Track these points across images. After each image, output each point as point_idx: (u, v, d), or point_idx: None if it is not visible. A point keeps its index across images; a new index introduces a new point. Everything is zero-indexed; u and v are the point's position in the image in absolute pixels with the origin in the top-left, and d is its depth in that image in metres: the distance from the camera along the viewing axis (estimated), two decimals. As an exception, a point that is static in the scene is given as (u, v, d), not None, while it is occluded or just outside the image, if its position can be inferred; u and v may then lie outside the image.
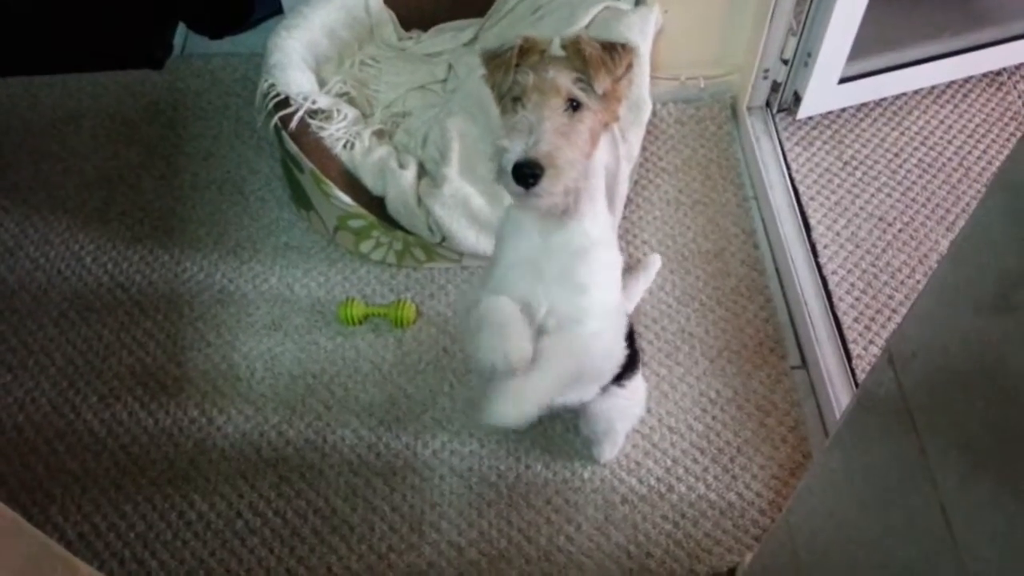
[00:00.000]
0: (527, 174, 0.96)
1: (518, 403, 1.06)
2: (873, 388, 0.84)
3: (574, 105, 1.02)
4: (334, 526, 1.52)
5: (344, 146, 1.74)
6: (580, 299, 1.13)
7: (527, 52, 1.06)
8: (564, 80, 1.01)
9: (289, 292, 1.83)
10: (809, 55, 1.86)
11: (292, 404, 1.67)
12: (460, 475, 1.55)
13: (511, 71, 1.04)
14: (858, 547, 0.89)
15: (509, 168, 0.97)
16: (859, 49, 1.87)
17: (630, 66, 1.07)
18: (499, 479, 1.55)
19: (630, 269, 1.76)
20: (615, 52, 1.04)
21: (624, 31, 1.74)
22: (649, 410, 1.60)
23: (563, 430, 1.60)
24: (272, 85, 1.75)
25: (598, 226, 1.13)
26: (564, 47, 1.05)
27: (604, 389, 1.34)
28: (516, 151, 0.96)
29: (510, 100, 1.05)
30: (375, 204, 1.74)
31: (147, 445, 1.64)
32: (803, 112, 1.98)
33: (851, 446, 0.90)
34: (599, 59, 1.01)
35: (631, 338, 1.42)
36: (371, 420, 1.63)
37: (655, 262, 1.79)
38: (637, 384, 1.45)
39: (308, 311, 1.80)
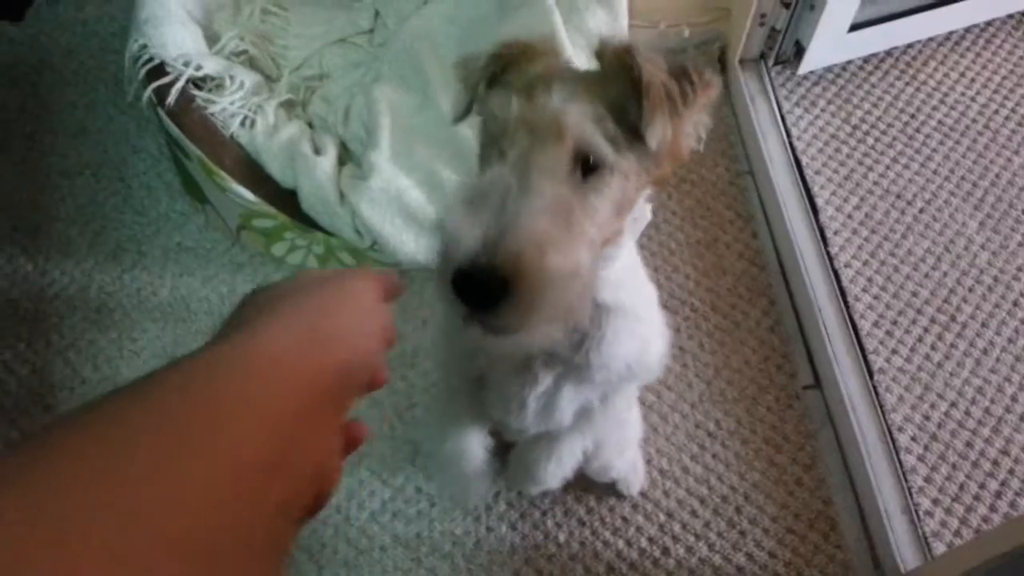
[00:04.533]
0: (478, 289, 0.52)
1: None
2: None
3: (588, 165, 0.59)
4: (248, 618, 1.20)
5: (242, 123, 1.36)
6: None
7: (520, 61, 0.63)
8: (576, 116, 0.57)
9: (184, 308, 1.47)
10: (816, -6, 1.53)
11: (191, 457, 1.33)
12: (406, 545, 1.24)
13: (480, 87, 0.62)
14: None
15: (448, 272, 0.52)
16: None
17: (706, 103, 0.63)
18: (454, 547, 1.24)
19: None
20: (689, 82, 0.59)
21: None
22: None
23: (531, 477, 1.30)
24: (143, 47, 1.35)
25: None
26: (599, 56, 0.62)
27: None
28: (468, 239, 0.51)
29: (489, 142, 0.62)
30: (286, 198, 1.37)
31: (6, 517, 1.29)
32: (805, 66, 1.65)
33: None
34: (662, 92, 0.58)
35: None
36: (292, 475, 1.31)
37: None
38: None
39: (208, 333, 1.43)
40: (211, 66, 1.36)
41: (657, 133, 0.58)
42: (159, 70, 1.34)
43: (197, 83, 1.35)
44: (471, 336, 0.54)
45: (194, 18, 1.45)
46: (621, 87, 0.59)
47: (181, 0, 1.44)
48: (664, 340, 0.82)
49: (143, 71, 1.34)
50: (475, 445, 0.98)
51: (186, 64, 1.33)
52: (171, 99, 1.31)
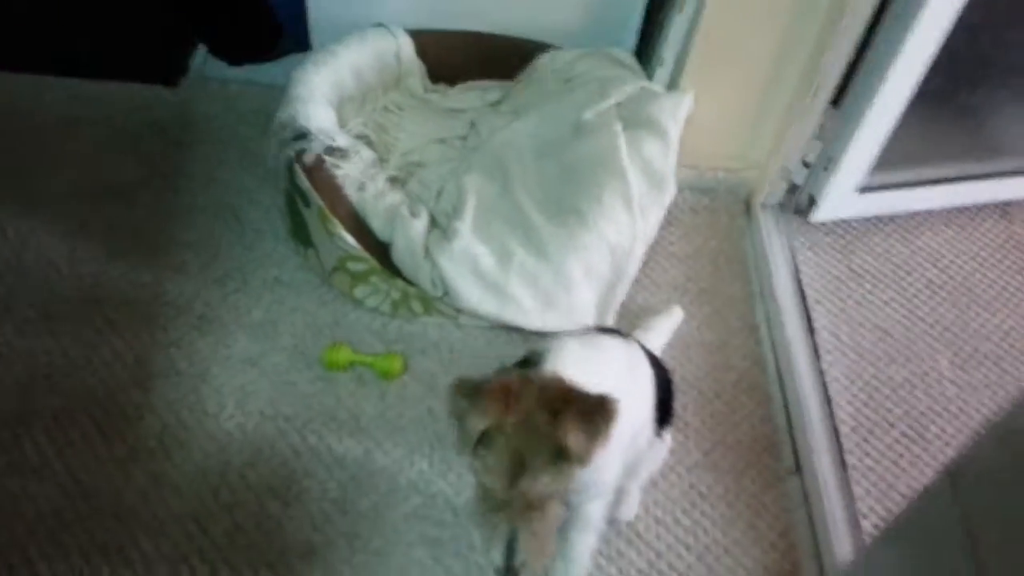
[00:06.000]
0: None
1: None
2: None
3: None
4: (287, 584, 1.40)
5: (357, 188, 1.69)
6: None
7: (509, 398, 0.98)
8: (540, 488, 0.97)
9: (272, 328, 1.75)
10: (831, 160, 1.86)
11: (259, 446, 1.56)
12: (429, 545, 1.45)
13: (479, 426, 0.98)
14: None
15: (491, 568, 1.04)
16: (880, 161, 1.88)
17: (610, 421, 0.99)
18: (471, 552, 1.44)
19: (650, 314, 1.74)
20: (599, 417, 0.97)
21: (656, 112, 1.73)
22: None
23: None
24: (292, 116, 1.71)
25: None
26: (549, 408, 0.97)
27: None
28: (496, 557, 1.00)
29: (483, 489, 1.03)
30: (379, 250, 1.68)
31: (96, 472, 1.52)
32: (817, 216, 1.97)
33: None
34: (583, 448, 0.96)
35: (669, 393, 1.35)
36: (342, 474, 1.53)
37: (677, 314, 1.74)
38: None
39: (290, 351, 1.71)
40: (341, 140, 1.71)
41: (581, 464, 0.97)
42: (301, 136, 1.68)
43: (328, 151, 1.68)
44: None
45: (331, 103, 1.81)
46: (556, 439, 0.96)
47: (324, 88, 1.81)
48: (612, 474, 1.19)
49: (289, 135, 1.69)
50: None
51: (324, 135, 1.68)
52: (308, 159, 1.64)
